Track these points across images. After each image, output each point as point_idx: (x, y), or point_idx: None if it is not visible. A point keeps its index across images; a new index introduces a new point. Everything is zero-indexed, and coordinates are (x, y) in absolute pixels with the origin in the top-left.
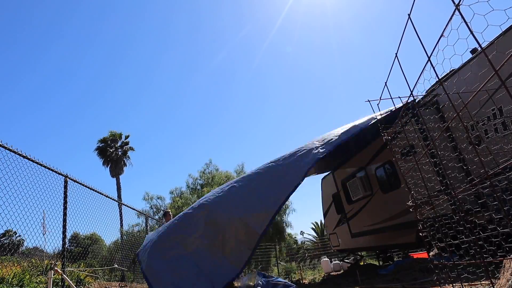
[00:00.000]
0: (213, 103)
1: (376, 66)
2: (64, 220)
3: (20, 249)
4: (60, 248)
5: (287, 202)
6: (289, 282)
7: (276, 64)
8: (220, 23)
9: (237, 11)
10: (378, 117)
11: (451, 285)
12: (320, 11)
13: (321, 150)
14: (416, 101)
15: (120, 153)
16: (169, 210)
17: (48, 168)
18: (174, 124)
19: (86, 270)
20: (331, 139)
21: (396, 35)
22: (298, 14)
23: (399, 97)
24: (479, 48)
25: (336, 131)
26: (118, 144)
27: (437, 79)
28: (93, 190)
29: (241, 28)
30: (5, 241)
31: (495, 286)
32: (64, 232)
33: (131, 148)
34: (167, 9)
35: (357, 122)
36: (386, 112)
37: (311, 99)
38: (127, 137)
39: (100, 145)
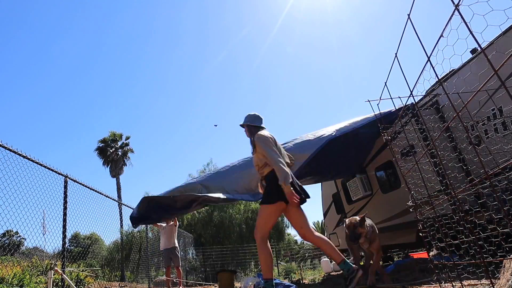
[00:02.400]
0: (213, 102)
1: (376, 66)
2: (64, 220)
3: (20, 249)
4: (60, 248)
5: None
6: (289, 283)
7: (276, 64)
8: (221, 23)
9: (238, 12)
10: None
11: (451, 285)
12: (320, 9)
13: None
14: (416, 101)
15: (120, 153)
16: None
17: (48, 168)
18: (174, 124)
19: (85, 270)
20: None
21: (396, 34)
22: (300, 13)
23: (399, 97)
24: (479, 48)
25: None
26: (118, 144)
27: (437, 79)
28: (93, 190)
29: (242, 28)
30: (5, 241)
31: (495, 286)
32: (64, 232)
33: (131, 150)
34: (173, 13)
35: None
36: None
37: (312, 99)
38: (127, 138)
39: (100, 145)
